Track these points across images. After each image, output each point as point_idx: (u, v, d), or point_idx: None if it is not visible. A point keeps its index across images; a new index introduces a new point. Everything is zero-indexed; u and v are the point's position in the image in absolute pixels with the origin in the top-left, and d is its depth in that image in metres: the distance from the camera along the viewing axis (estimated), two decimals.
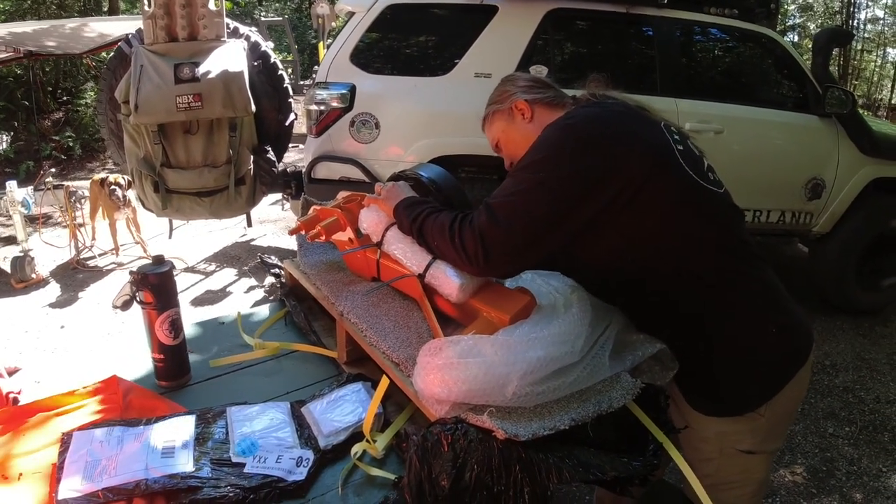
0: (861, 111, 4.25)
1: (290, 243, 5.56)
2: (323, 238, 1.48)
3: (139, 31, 3.39)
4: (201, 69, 3.11)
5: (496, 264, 1.17)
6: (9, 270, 4.67)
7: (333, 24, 7.09)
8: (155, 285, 1.32)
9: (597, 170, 1.15)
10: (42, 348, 3.64)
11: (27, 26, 6.72)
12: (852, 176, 4.05)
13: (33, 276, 4.68)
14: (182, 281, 4.64)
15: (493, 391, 0.97)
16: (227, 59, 3.21)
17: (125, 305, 1.36)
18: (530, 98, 1.42)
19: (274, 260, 1.91)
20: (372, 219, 1.38)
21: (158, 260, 1.37)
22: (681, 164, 1.21)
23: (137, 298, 1.34)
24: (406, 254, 1.30)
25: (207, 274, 4.98)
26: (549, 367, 1.00)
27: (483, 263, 1.16)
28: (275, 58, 3.68)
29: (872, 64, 20.28)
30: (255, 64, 3.47)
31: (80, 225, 5.18)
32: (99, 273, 4.97)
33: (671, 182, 1.19)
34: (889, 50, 20.18)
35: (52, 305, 4.35)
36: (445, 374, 0.99)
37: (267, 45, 3.67)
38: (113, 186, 4.81)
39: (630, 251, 1.22)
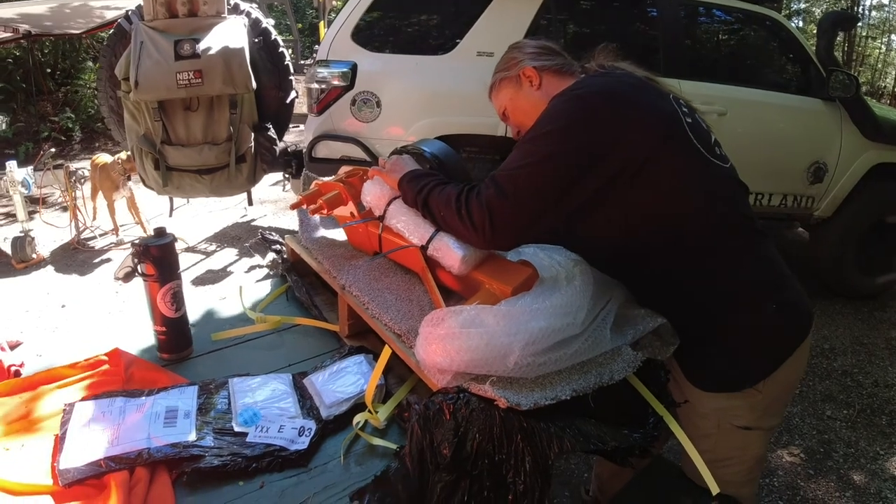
0: (865, 97, 4.23)
1: (291, 223, 5.56)
2: (325, 212, 1.47)
3: (139, 7, 3.36)
4: (202, 45, 3.09)
5: (502, 236, 1.17)
6: (9, 251, 4.67)
7: (334, 2, 7.05)
8: (157, 257, 1.32)
9: (604, 141, 1.14)
10: (43, 327, 3.64)
11: (25, 6, 6.67)
12: (854, 161, 4.04)
13: (34, 256, 4.68)
14: (183, 261, 4.62)
15: (495, 361, 0.97)
16: (228, 35, 3.19)
17: (127, 277, 1.35)
18: (538, 65, 1.40)
19: (275, 236, 1.91)
20: (375, 192, 1.38)
21: (160, 232, 1.36)
22: (689, 137, 1.20)
23: (139, 270, 1.33)
24: (409, 226, 1.29)
25: (208, 254, 4.98)
26: (551, 338, 1.00)
27: (490, 235, 1.16)
28: (275, 35, 3.65)
29: (877, 51, 20.16)
30: (256, 41, 3.44)
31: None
32: (99, 253, 4.97)
33: (679, 154, 1.19)
34: (894, 37, 20.05)
35: (53, 285, 4.35)
36: (447, 343, 0.99)
37: (268, 22, 3.64)
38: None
39: (634, 223, 1.22)
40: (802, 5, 19.99)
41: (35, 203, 5.39)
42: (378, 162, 1.46)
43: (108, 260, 4.80)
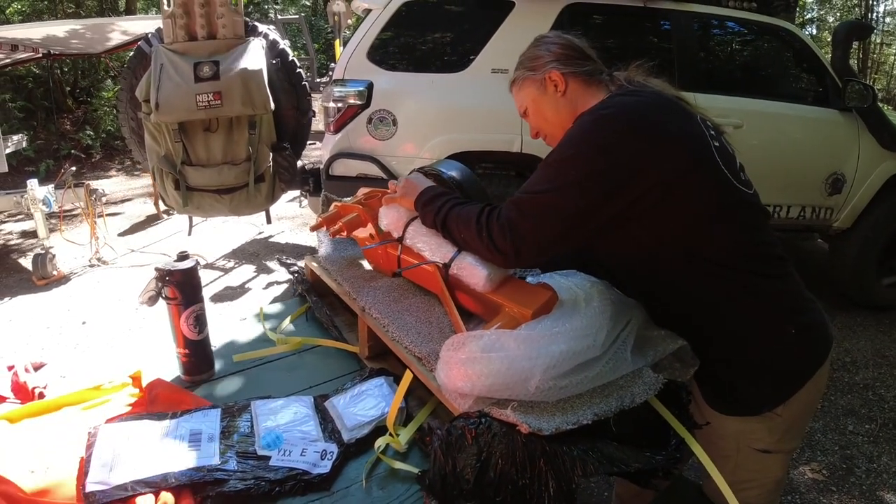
0: (881, 105, 4.21)
1: (308, 240, 5.60)
2: (344, 234, 1.48)
3: (158, 30, 3.42)
4: (221, 67, 3.13)
5: (524, 256, 1.18)
6: (30, 268, 4.74)
7: (349, 21, 7.10)
8: (180, 281, 1.34)
9: (631, 165, 1.13)
10: (64, 344, 3.69)
11: (44, 26, 6.80)
12: (873, 171, 4.02)
13: (54, 273, 4.74)
14: (201, 278, 4.63)
15: (517, 385, 0.98)
16: (246, 57, 3.23)
17: (151, 301, 1.37)
18: (566, 71, 1.35)
19: (292, 260, 1.92)
20: (392, 215, 1.39)
21: (183, 256, 1.38)
22: (717, 162, 1.18)
23: (163, 294, 1.35)
24: (430, 246, 1.30)
25: (226, 270, 5.02)
26: (572, 361, 1.00)
27: (512, 256, 1.16)
28: (292, 56, 3.69)
29: (892, 57, 20.02)
30: (274, 62, 3.48)
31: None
32: (118, 269, 5.03)
33: (706, 180, 1.17)
34: None
35: (73, 302, 4.40)
36: (469, 368, 0.99)
37: (284, 44, 3.69)
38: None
39: (655, 244, 1.21)
40: (816, 13, 19.93)
41: (56, 219, 5.46)
42: (388, 186, 1.46)
43: (129, 277, 4.85)
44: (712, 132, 1.24)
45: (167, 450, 1.09)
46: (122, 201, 7.43)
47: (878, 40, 18.99)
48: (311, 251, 1.78)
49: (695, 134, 1.19)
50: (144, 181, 8.17)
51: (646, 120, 1.17)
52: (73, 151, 9.34)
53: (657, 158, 1.13)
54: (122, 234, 5.89)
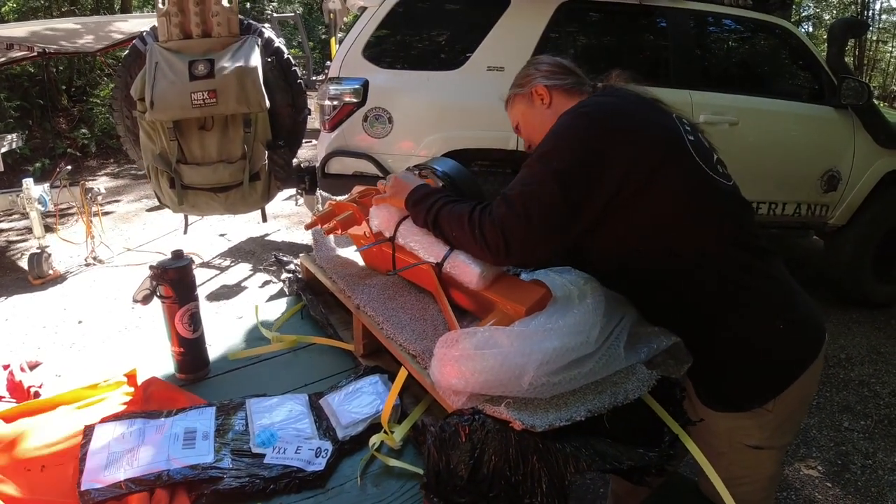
0: (877, 102, 4.22)
1: (304, 238, 5.59)
2: (339, 232, 1.48)
3: (153, 28, 3.41)
4: (216, 65, 3.12)
5: (517, 254, 1.18)
6: (26, 267, 4.73)
7: (345, 19, 7.09)
8: (174, 280, 1.34)
9: (609, 156, 1.16)
10: (60, 343, 3.69)
11: (40, 25, 6.78)
12: (868, 168, 4.03)
13: (50, 272, 4.74)
14: (198, 276, 4.63)
15: (510, 382, 0.98)
16: (242, 55, 3.22)
17: (145, 300, 1.38)
18: (550, 84, 1.44)
19: (288, 258, 1.92)
20: (382, 215, 1.39)
21: (178, 255, 1.38)
22: (691, 154, 1.22)
23: (157, 293, 1.35)
24: (423, 245, 1.30)
25: (222, 269, 5.02)
26: (565, 357, 1.00)
27: (504, 254, 1.17)
28: (288, 53, 3.69)
29: (888, 55, 20.04)
30: (269, 60, 3.47)
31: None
32: (114, 268, 5.02)
33: (682, 170, 1.20)
34: None
35: (70, 301, 4.39)
36: (462, 365, 0.99)
37: (280, 41, 3.68)
38: None
39: (640, 239, 1.23)
40: (812, 11, 19.94)
41: (52, 217, 5.45)
42: (378, 184, 1.47)
43: (125, 276, 4.84)
44: (687, 128, 1.28)
45: (162, 448, 1.09)
46: (118, 200, 7.42)
47: (874, 38, 19.00)
48: (307, 249, 1.78)
49: (669, 127, 1.24)
50: (140, 180, 8.16)
51: (622, 114, 1.22)
52: (68, 150, 9.32)
53: (633, 148, 1.17)
54: (121, 233, 5.88)
